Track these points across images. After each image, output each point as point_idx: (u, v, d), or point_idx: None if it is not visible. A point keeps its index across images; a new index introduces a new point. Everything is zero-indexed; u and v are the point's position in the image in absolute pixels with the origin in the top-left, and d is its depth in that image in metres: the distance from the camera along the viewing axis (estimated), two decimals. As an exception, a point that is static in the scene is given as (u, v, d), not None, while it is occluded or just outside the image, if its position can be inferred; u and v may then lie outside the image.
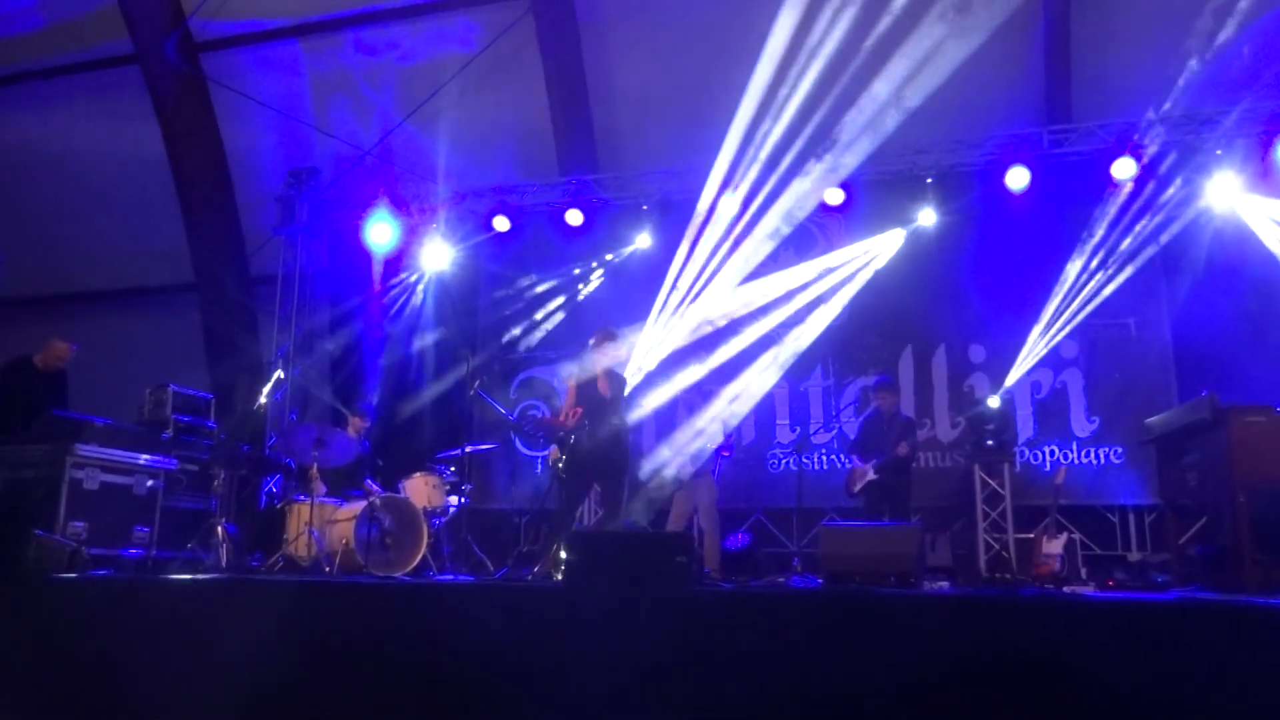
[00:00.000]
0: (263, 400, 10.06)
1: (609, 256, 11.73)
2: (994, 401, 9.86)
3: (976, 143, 10.41)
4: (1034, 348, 10.12)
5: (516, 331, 11.90)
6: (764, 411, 10.95)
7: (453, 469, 9.33)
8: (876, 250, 10.87)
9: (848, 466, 9.58)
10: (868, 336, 10.80)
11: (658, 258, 11.41)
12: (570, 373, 7.87)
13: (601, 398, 7.61)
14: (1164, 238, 9.80)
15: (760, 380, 10.85)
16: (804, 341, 10.88)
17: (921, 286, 10.59)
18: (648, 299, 11.07)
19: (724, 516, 10.21)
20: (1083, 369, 10.17)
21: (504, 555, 8.83)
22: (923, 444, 10.13)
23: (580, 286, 11.75)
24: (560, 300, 11.82)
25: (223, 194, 13.39)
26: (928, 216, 10.56)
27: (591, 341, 7.88)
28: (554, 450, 8.61)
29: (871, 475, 9.02)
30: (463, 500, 9.18)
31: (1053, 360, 10.22)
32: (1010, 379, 10.14)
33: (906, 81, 9.65)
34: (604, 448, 7.49)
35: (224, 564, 8.21)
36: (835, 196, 10.68)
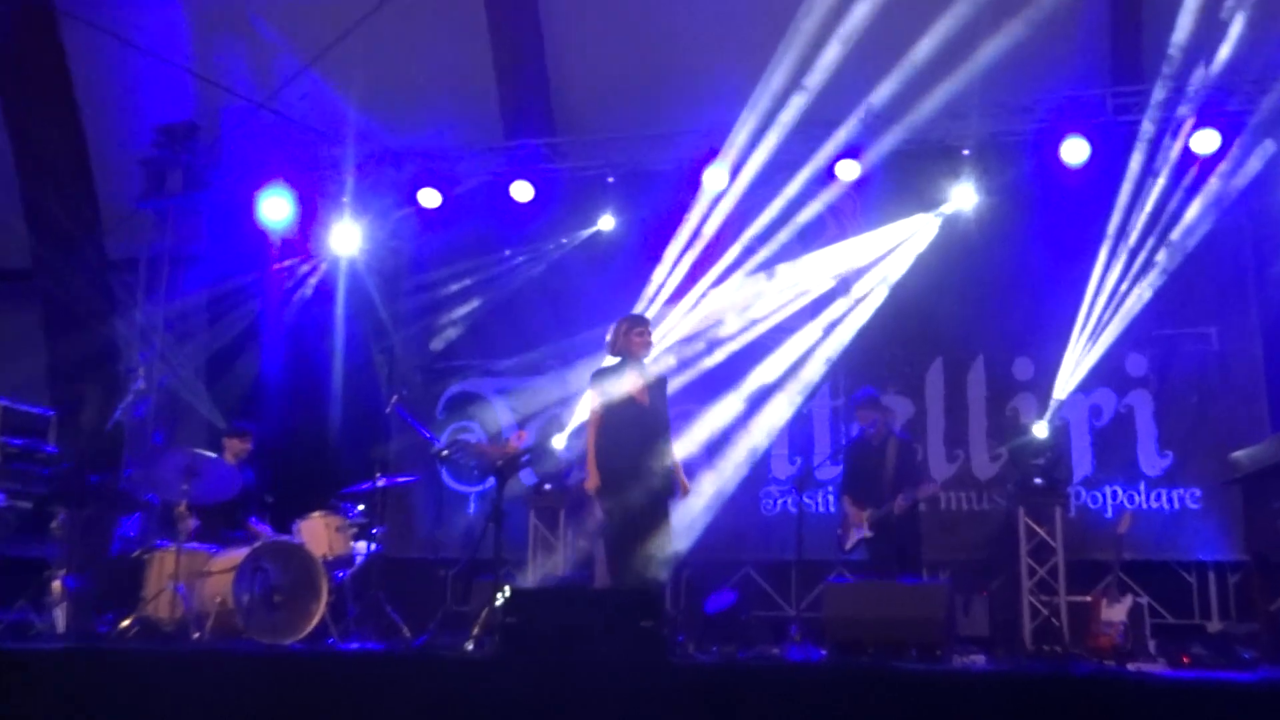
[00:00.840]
0: (118, 418, 9.95)
1: (563, 241, 11.75)
2: (1042, 429, 9.91)
3: (1025, 106, 10.49)
4: (1093, 363, 10.20)
5: (447, 334, 11.90)
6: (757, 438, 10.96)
7: (362, 507, 9.34)
8: (901, 239, 10.91)
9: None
10: (888, 346, 10.84)
11: (624, 243, 11.43)
12: (592, 390, 7.46)
13: (642, 411, 7.30)
14: (1253, 228, 9.94)
15: (753, 400, 10.90)
16: (809, 352, 10.94)
17: (955, 284, 10.64)
18: (611, 294, 11.14)
19: (706, 569, 10.19)
20: (1153, 390, 10.26)
21: (426, 618, 8.78)
22: (952, 481, 10.19)
23: (527, 278, 11.79)
24: (501, 295, 11.83)
25: (73, 156, 13.13)
26: (964, 197, 10.63)
27: (613, 334, 7.52)
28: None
29: (866, 532, 9.03)
30: (374, 547, 9.12)
31: (1116, 378, 10.30)
32: (1062, 400, 10.19)
33: (937, 32, 9.74)
34: (652, 481, 7.14)
35: (63, 628, 8.07)
36: (849, 171, 10.73)
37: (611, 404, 7.29)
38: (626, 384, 7.35)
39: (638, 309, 11.14)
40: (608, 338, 7.55)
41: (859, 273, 11.04)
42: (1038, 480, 9.77)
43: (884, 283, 10.91)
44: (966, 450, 10.56)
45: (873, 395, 9.48)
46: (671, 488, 7.30)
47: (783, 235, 11.11)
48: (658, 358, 8.98)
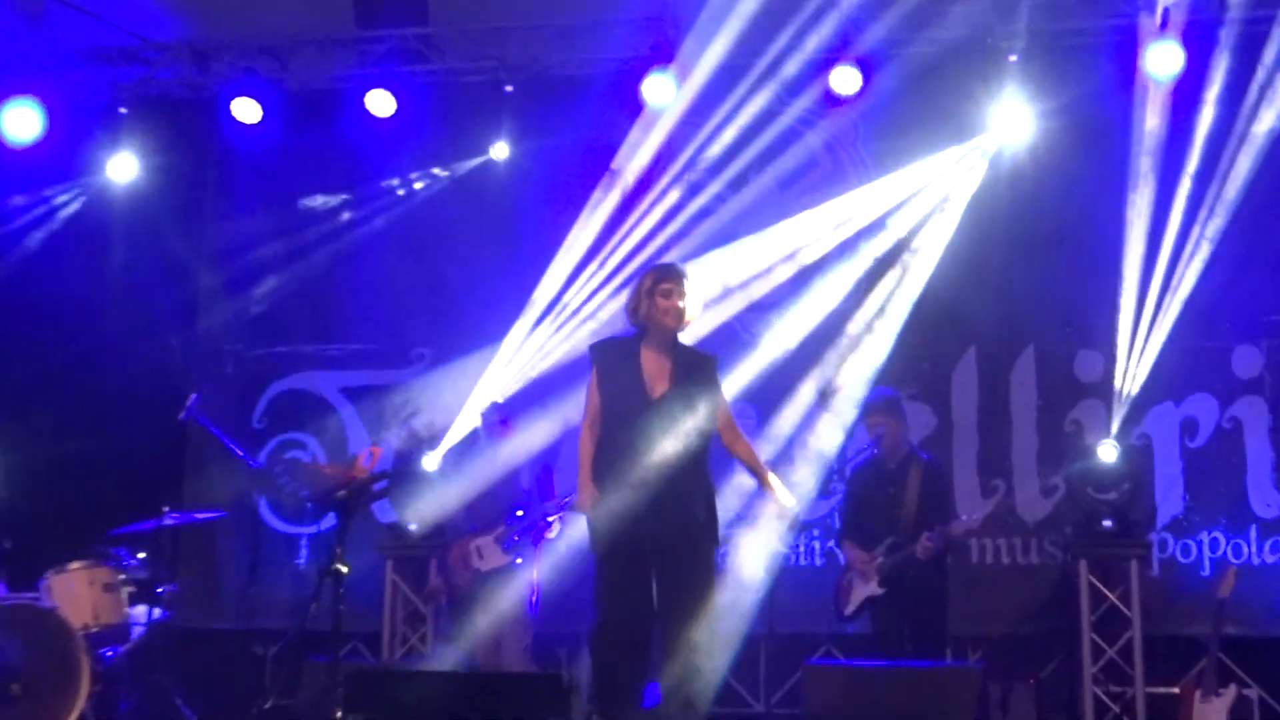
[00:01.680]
0: None
1: (438, 175, 11.78)
2: (1112, 452, 9.91)
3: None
4: (1188, 359, 10.26)
5: (271, 307, 11.91)
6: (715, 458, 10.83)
7: (143, 555, 9.29)
8: (922, 184, 10.91)
9: (840, 561, 9.61)
10: (900, 333, 10.78)
11: (526, 180, 11.44)
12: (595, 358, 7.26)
13: (658, 412, 6.93)
14: None
15: None
16: (789, 341, 10.86)
17: (996, 246, 10.66)
18: (504, 253, 11.15)
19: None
20: (1269, 397, 10.33)
21: (235, 715, 8.79)
22: (989, 524, 10.09)
23: (386, 227, 11.79)
24: (349, 252, 11.80)
25: None
26: (1010, 123, 10.63)
27: (633, 292, 7.18)
28: (435, 580, 9.19)
29: (874, 589, 9.00)
30: (160, 613, 9.08)
31: (1219, 380, 10.38)
32: (1143, 410, 10.23)
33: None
34: (685, 499, 6.87)
35: None
36: (848, 82, 10.71)
37: (613, 396, 6.97)
38: (639, 368, 7.02)
39: (547, 279, 11.13)
40: (645, 284, 7.24)
41: (864, 232, 11.07)
42: (1107, 523, 9.75)
43: (899, 246, 10.96)
44: (1008, 480, 10.56)
45: (891, 396, 9.50)
46: (711, 531, 6.96)
47: (755, 177, 11.15)
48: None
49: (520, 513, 9.31)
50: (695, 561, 6.83)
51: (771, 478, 7.08)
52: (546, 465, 9.84)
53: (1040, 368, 10.70)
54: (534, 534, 9.18)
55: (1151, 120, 10.36)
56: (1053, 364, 10.67)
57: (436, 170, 11.80)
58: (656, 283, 6.98)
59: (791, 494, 7.14)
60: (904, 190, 10.97)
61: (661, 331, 6.97)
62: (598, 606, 6.89)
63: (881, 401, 9.40)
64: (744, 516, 9.25)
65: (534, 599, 9.14)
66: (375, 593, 10.52)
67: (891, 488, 9.11)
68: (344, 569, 7.54)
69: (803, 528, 10.63)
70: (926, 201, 10.92)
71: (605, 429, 6.93)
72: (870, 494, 9.22)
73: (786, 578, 9.86)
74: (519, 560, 9.26)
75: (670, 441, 6.78)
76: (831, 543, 10.54)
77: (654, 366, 6.96)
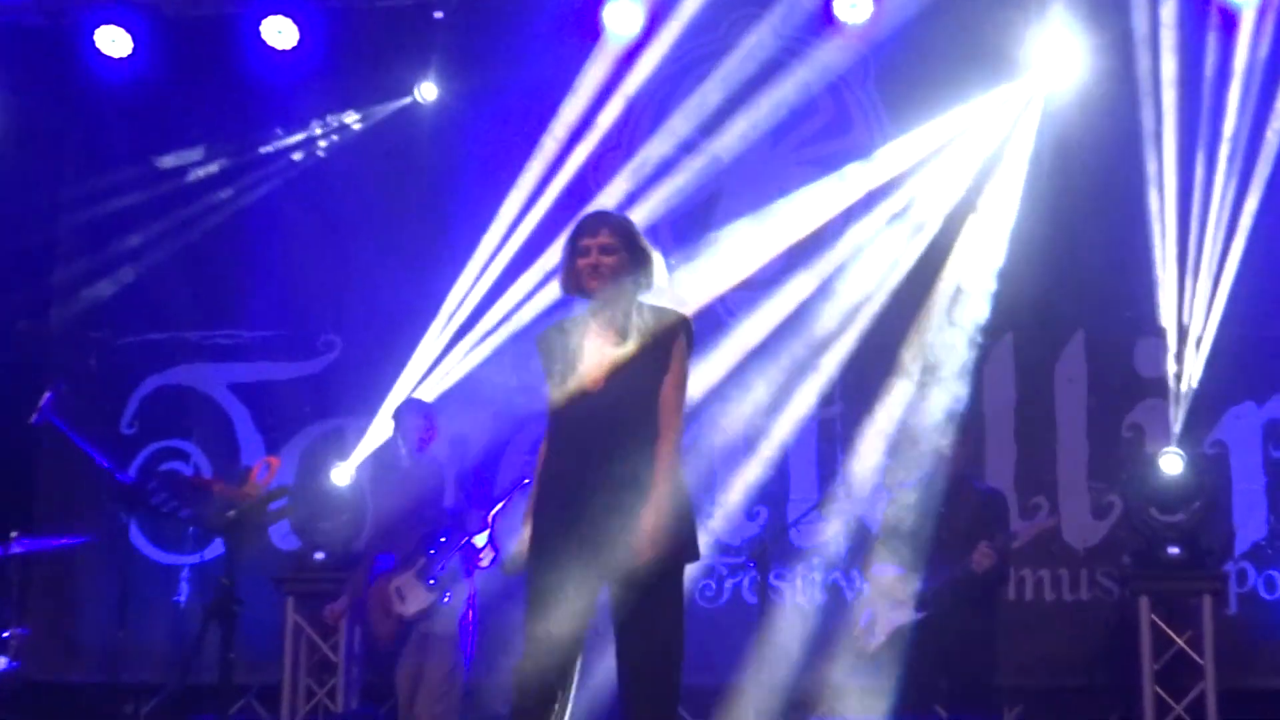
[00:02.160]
0: None
1: (352, 120, 11.79)
2: (1174, 463, 9.87)
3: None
4: (1267, 347, 10.36)
5: (140, 284, 11.81)
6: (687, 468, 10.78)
7: None
8: (948, 136, 10.87)
9: (861, 588, 9.62)
10: (918, 316, 10.74)
11: (459, 128, 11.47)
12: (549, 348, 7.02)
13: (599, 405, 6.69)
14: None
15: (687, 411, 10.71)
16: (780, 329, 10.88)
17: (1035, 214, 10.64)
18: (433, 216, 11.26)
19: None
20: (1372, 396, 10.42)
21: None
22: (1030, 550, 10.10)
23: (285, 185, 11.77)
24: (241, 218, 11.78)
25: None
26: (1057, 60, 10.59)
27: (568, 243, 6.88)
28: (334, 608, 8.98)
29: (908, 615, 8.98)
30: (4, 663, 9.03)
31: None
32: (1214, 412, 10.27)
33: None
34: (632, 499, 6.46)
35: None
36: (854, 6, 10.71)
37: (554, 399, 6.73)
38: (580, 354, 6.75)
39: (483, 248, 11.13)
40: (594, 238, 7.05)
41: (875, 195, 11.02)
42: (1173, 550, 9.72)
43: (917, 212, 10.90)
44: (1053, 497, 10.56)
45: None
46: (671, 547, 6.72)
47: (741, 126, 11.08)
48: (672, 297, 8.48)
49: (444, 539, 9.25)
50: (648, 590, 6.49)
51: (653, 497, 6.47)
52: (477, 472, 9.78)
53: (1092, 359, 10.72)
54: (463, 562, 9.19)
55: (1239, 56, 10.35)
56: (1107, 355, 10.69)
57: (349, 117, 11.81)
58: (573, 241, 6.79)
59: (650, 530, 6.37)
60: (923, 144, 10.95)
61: (600, 301, 6.74)
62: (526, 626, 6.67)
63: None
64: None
65: (469, 642, 9.20)
66: (273, 636, 10.45)
67: (939, 516, 9.11)
68: (235, 607, 7.49)
69: (794, 556, 10.66)
70: (952, 158, 10.89)
71: (548, 436, 6.77)
72: (908, 521, 9.17)
73: (780, 617, 9.89)
74: (447, 598, 9.23)
75: (616, 448, 6.52)
76: (835, 574, 10.60)
77: (595, 349, 6.73)
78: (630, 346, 6.60)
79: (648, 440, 6.51)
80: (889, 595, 9.07)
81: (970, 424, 9.59)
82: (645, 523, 6.37)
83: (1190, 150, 10.40)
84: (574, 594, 6.45)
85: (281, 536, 10.61)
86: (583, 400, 6.56)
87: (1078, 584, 10.50)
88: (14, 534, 8.97)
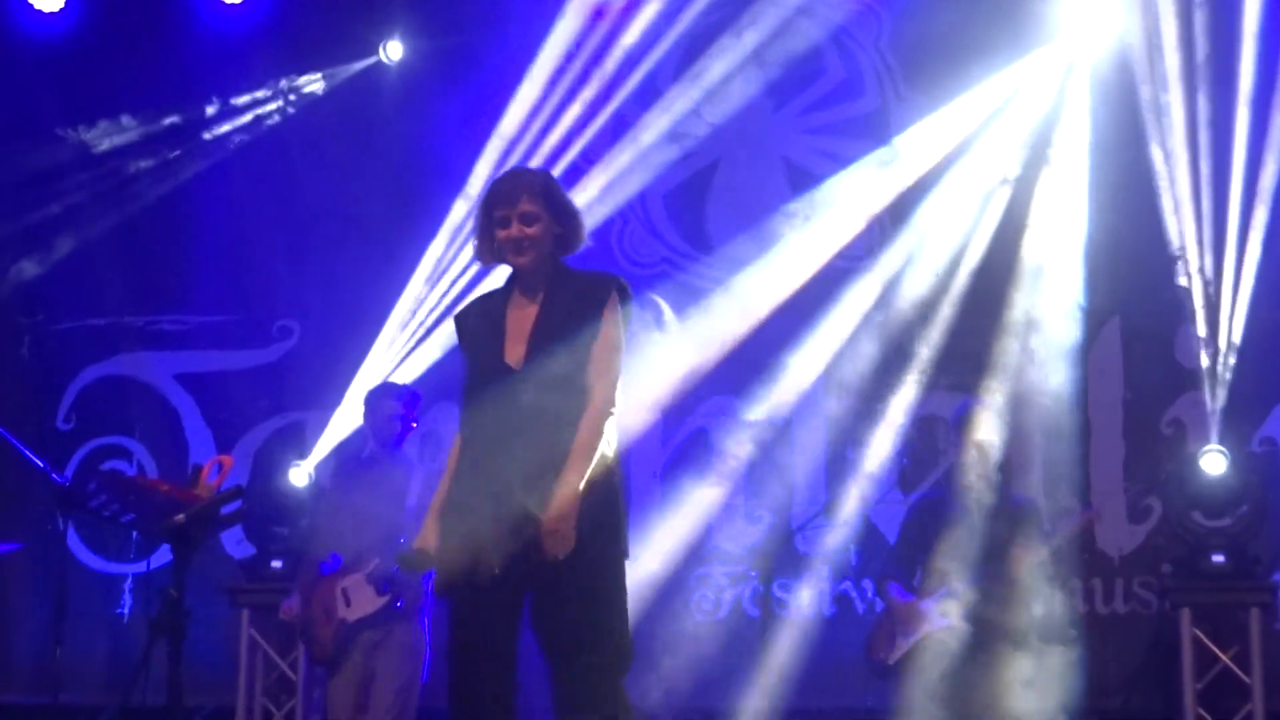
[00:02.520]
0: None
1: (310, 82, 11.84)
2: (1217, 463, 9.94)
3: None
4: None
5: (77, 263, 11.80)
6: (682, 467, 10.98)
7: None
8: (970, 105, 10.94)
9: (875, 603, 9.69)
10: (933, 303, 10.88)
11: (427, 91, 11.48)
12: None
13: (538, 366, 6.49)
14: None
15: (678, 405, 10.92)
16: (785, 315, 10.97)
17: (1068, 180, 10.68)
18: (397, 189, 11.32)
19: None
20: None
21: None
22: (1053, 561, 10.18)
23: (238, 152, 11.80)
24: (188, 188, 11.79)
25: None
26: (1093, 21, 10.66)
27: (482, 213, 6.72)
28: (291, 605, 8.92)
29: (937, 622, 9.02)
30: None
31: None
32: (1262, 407, 10.44)
33: None
34: (535, 527, 6.29)
35: None
36: None
37: (472, 378, 6.59)
38: (502, 329, 6.59)
39: (453, 216, 11.21)
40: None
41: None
42: (1218, 559, 9.77)
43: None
44: (1085, 499, 10.51)
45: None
46: (597, 538, 6.36)
47: (739, 87, 11.16)
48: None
49: (402, 540, 9.19)
50: (575, 586, 6.34)
51: (561, 481, 6.31)
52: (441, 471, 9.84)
53: (1128, 349, 10.78)
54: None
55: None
56: (1145, 344, 10.74)
57: (306, 79, 11.82)
58: (487, 210, 6.62)
59: (559, 532, 6.23)
60: (945, 113, 11.03)
61: (524, 273, 6.64)
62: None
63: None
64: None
65: (423, 657, 9.25)
66: (227, 653, 10.50)
67: (972, 533, 9.13)
68: (183, 620, 7.56)
69: (800, 565, 10.70)
70: (974, 127, 10.97)
71: (463, 421, 6.63)
72: (937, 528, 9.23)
73: (785, 632, 9.96)
74: (400, 604, 9.26)
75: (540, 433, 6.37)
76: (845, 585, 10.71)
77: (520, 322, 6.61)
78: (557, 316, 6.52)
79: (577, 421, 6.40)
80: (904, 621, 9.10)
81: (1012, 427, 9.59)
82: (554, 504, 6.24)
83: (1227, 113, 10.50)
84: (493, 602, 6.32)
85: (235, 543, 10.55)
86: (505, 379, 6.45)
87: (1113, 595, 10.55)
88: None
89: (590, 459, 6.26)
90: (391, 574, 9.20)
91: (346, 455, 10.57)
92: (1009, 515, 9.22)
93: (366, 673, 9.30)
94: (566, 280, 6.54)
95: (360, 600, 9.25)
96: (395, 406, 9.59)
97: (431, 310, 11.32)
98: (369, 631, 9.22)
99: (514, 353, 6.46)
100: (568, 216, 6.46)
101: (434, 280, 11.31)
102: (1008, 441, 9.88)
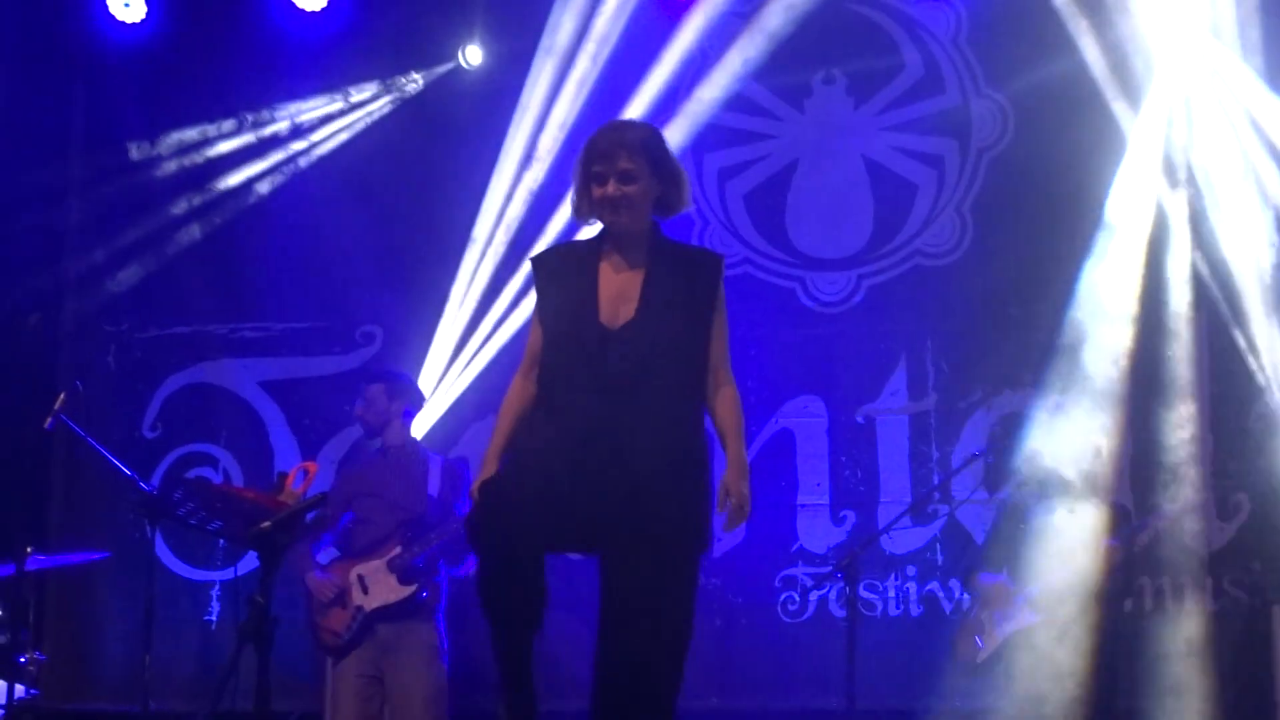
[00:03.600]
0: None
1: (390, 89, 11.84)
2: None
3: None
4: None
5: (160, 272, 11.89)
6: (765, 468, 10.94)
7: None
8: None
9: (963, 602, 9.75)
10: (1022, 292, 10.93)
11: (509, 96, 11.45)
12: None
13: (644, 329, 6.29)
14: None
15: (757, 395, 10.93)
16: (860, 309, 11.11)
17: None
18: (480, 196, 11.22)
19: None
20: None
21: None
22: (1148, 555, 10.16)
23: (318, 162, 11.84)
24: (271, 198, 11.85)
25: None
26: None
27: (581, 167, 6.37)
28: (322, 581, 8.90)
29: (1026, 617, 9.07)
30: (20, 690, 9.06)
31: None
32: None
33: None
34: (651, 472, 6.17)
35: None
36: None
37: (558, 327, 6.38)
38: (594, 285, 6.37)
39: (552, 227, 11.16)
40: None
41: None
42: (1312, 554, 9.71)
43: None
44: (1174, 496, 10.40)
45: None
46: (691, 520, 6.30)
47: (818, 85, 11.35)
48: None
49: (428, 527, 9.25)
50: (657, 564, 6.18)
51: (736, 455, 6.36)
52: (462, 460, 9.85)
53: (1213, 335, 10.68)
54: (444, 558, 9.24)
55: None
56: (1229, 331, 10.64)
57: (385, 85, 11.84)
58: (585, 165, 6.37)
59: (745, 493, 6.28)
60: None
61: (618, 233, 6.40)
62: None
63: None
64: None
65: (443, 651, 9.24)
66: (315, 658, 10.39)
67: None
68: (270, 627, 7.57)
69: (888, 567, 10.75)
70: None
71: (544, 376, 6.40)
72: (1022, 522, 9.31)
73: (874, 634, 9.93)
74: (425, 594, 9.24)
75: (654, 394, 6.23)
76: (931, 585, 10.68)
77: (616, 282, 6.37)
78: (668, 281, 6.32)
79: (684, 395, 6.28)
80: (995, 604, 9.11)
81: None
82: (733, 488, 6.21)
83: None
84: (549, 545, 6.17)
85: (320, 549, 10.65)
86: (603, 336, 6.26)
87: (1203, 592, 10.42)
88: (29, 550, 9.01)
89: (743, 437, 6.29)
90: (416, 563, 9.18)
91: (357, 449, 10.64)
92: (1092, 515, 9.20)
93: (379, 670, 9.29)
94: (668, 248, 6.39)
95: (380, 589, 9.22)
96: (377, 390, 9.61)
97: (505, 310, 11.37)
98: (385, 626, 9.22)
99: (612, 311, 6.29)
100: (670, 177, 6.25)
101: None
102: (1092, 439, 9.90)
